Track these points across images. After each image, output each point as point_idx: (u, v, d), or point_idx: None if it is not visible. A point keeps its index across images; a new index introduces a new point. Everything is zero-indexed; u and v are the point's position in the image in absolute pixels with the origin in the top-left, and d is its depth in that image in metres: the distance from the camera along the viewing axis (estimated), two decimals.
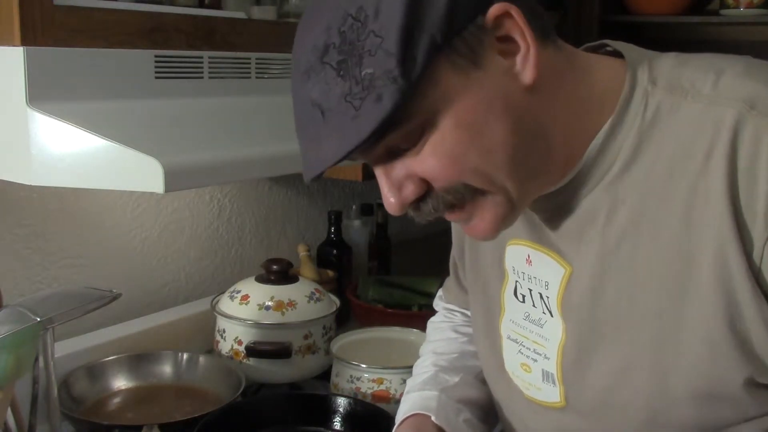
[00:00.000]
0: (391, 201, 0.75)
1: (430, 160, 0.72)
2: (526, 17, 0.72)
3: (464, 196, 0.75)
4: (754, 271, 0.72)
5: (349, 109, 0.68)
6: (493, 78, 0.72)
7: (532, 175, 0.77)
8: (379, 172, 0.76)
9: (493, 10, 0.70)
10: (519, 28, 0.71)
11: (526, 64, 0.72)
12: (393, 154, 0.74)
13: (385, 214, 2.01)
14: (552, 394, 0.89)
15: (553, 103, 0.76)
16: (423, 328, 1.23)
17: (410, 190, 0.75)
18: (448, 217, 0.78)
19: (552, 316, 0.87)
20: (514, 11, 0.71)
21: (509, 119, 0.73)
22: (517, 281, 0.91)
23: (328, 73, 0.69)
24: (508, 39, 0.72)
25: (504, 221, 0.78)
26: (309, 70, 0.70)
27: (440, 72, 0.69)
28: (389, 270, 2.03)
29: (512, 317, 0.93)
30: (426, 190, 0.75)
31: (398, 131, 0.70)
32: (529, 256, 0.89)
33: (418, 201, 0.76)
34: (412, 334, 1.49)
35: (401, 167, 0.74)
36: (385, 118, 0.67)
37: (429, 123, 0.71)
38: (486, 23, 0.70)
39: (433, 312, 1.21)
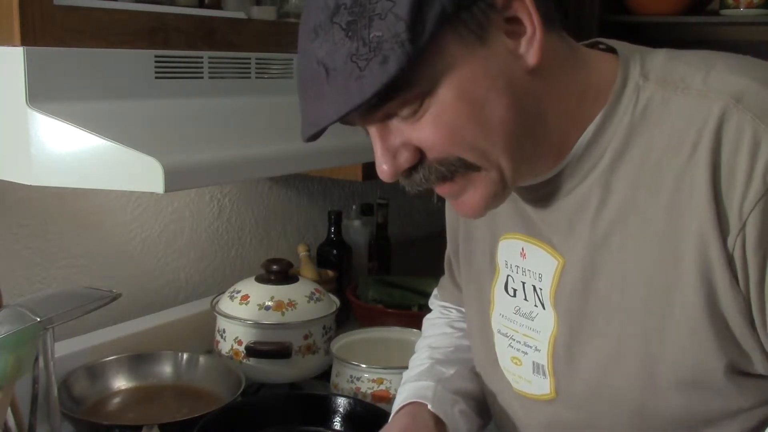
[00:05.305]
0: (384, 168, 0.76)
1: (428, 130, 0.73)
2: (535, 1, 0.73)
3: (457, 170, 0.76)
4: (728, 260, 0.74)
5: (354, 69, 0.69)
6: (498, 56, 0.73)
7: (527, 158, 0.78)
8: (374, 137, 0.76)
9: None
10: (527, 11, 0.73)
11: (530, 47, 0.74)
12: (391, 121, 0.75)
13: (385, 214, 2.01)
14: (542, 387, 0.90)
15: (553, 89, 0.77)
16: None
17: (404, 158, 0.76)
18: (438, 190, 0.79)
19: (544, 308, 0.88)
20: None
21: (510, 98, 0.74)
22: (509, 275, 0.92)
23: (337, 32, 0.69)
24: (515, 20, 0.73)
25: (494, 199, 0.79)
26: (317, 27, 0.71)
27: (447, 42, 0.70)
28: (389, 270, 2.03)
29: (502, 311, 0.94)
30: (419, 159, 0.76)
31: (400, 97, 0.71)
32: (523, 249, 0.89)
33: (411, 170, 0.77)
34: (412, 334, 1.48)
35: (398, 134, 0.75)
36: (389, 81, 0.68)
37: (431, 92, 0.72)
38: (496, 1, 0.71)
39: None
